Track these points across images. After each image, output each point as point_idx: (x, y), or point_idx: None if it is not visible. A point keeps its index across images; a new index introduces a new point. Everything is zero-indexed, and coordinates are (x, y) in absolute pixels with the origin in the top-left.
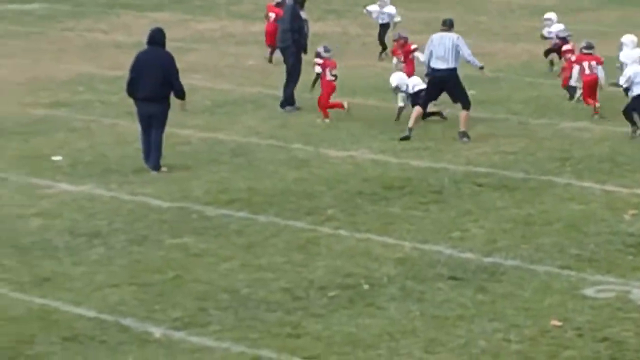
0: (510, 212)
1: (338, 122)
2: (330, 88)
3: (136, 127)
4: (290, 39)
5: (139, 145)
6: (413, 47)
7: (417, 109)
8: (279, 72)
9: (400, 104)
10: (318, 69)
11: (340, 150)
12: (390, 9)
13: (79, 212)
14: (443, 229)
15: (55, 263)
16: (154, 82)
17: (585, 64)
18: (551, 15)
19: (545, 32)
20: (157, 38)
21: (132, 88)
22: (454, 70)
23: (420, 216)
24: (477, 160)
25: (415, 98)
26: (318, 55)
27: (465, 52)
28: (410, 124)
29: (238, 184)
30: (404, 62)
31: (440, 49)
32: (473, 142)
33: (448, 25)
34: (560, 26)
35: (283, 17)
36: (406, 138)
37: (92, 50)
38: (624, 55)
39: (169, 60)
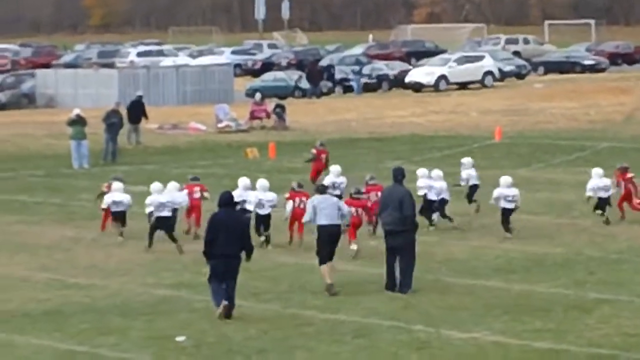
0: None
1: (459, 302)
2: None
3: (261, 307)
4: (411, 224)
5: (262, 325)
6: None
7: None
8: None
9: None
10: None
11: (463, 331)
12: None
13: None
14: None
15: None
16: (231, 240)
17: None
18: None
19: None
20: (229, 200)
21: (210, 248)
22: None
23: None
24: (599, 342)
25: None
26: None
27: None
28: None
29: None
30: None
31: (390, 202)
32: (595, 323)
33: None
34: None
35: (391, 201)
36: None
37: None
38: None
39: (244, 220)
